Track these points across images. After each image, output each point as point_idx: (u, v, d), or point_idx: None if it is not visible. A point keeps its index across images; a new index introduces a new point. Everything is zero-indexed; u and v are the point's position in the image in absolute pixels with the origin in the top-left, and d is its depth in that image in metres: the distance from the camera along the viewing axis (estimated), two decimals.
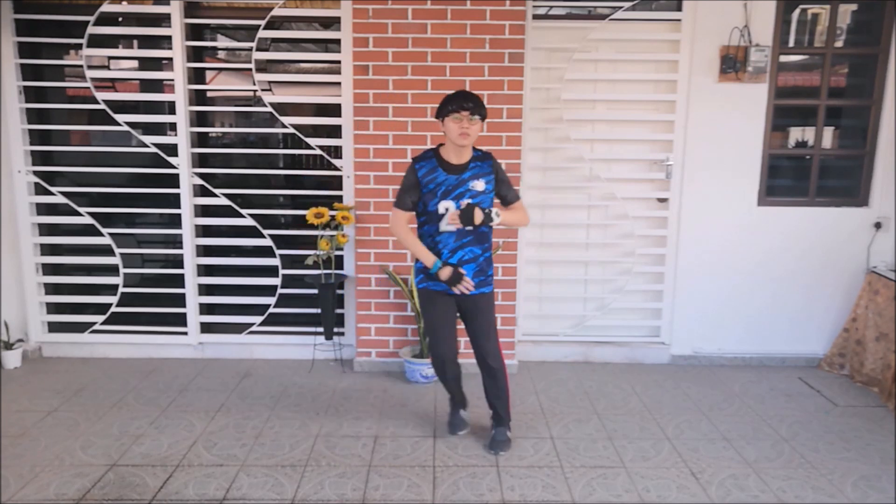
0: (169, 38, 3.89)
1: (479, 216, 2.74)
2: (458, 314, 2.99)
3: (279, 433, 3.19)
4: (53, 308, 4.22)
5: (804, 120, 4.09)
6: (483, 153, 2.89)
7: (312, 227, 3.88)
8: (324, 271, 3.91)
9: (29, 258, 4.09)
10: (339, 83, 3.93)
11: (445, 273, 2.78)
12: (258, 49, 3.90)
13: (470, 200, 2.77)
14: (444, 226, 2.80)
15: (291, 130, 3.98)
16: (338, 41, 3.90)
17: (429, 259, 2.81)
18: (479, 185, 2.80)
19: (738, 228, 4.06)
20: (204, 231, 4.16)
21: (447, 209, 2.78)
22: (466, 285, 2.81)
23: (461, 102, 2.70)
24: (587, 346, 4.21)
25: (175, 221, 4.08)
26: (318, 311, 3.95)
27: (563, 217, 4.15)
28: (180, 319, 4.16)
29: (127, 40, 4.19)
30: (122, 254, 4.11)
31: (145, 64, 4.20)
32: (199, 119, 4.10)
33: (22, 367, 4.00)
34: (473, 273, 2.85)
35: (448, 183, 2.78)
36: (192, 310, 4.14)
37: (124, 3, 4.01)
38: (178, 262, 4.11)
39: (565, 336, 4.23)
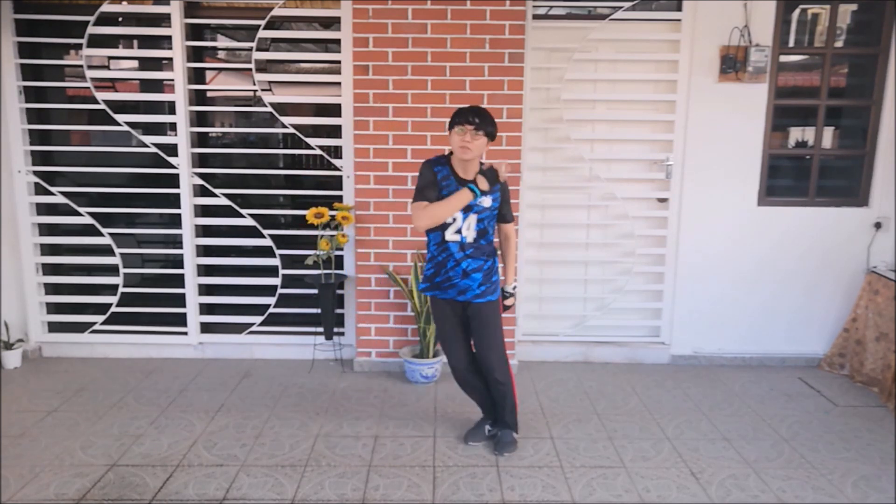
0: (169, 38, 3.89)
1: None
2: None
3: (279, 433, 3.19)
4: (53, 308, 4.22)
5: (804, 120, 4.09)
6: (491, 169, 2.85)
7: (312, 227, 3.88)
8: (324, 271, 3.91)
9: (29, 258, 4.09)
10: (339, 83, 3.93)
11: (483, 182, 2.71)
12: (258, 49, 3.90)
13: (476, 216, 2.79)
14: (451, 234, 2.81)
15: (291, 130, 3.98)
16: (338, 41, 3.90)
17: (463, 196, 2.69)
18: (486, 201, 2.81)
19: (738, 228, 4.06)
20: (204, 231, 4.16)
21: (454, 218, 2.78)
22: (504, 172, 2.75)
23: (467, 116, 2.70)
24: (587, 346, 4.21)
25: (175, 221, 4.08)
26: (318, 311, 3.95)
27: (563, 217, 4.15)
28: (180, 319, 4.16)
29: (127, 40, 4.19)
30: (122, 254, 4.11)
31: (145, 64, 4.20)
32: (199, 119, 4.10)
33: (22, 367, 4.00)
34: (479, 282, 2.85)
35: None
36: (192, 310, 4.14)
37: (124, 3, 4.01)
38: (178, 262, 4.11)
39: (565, 336, 4.23)
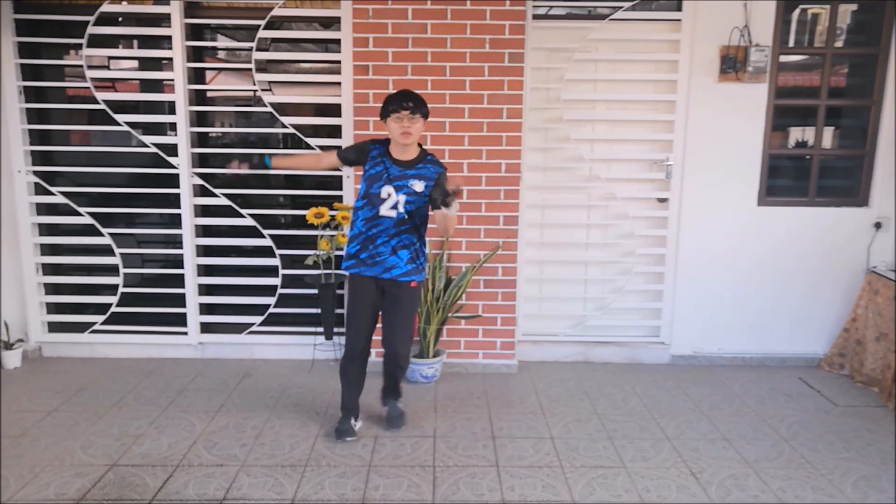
0: (169, 38, 3.89)
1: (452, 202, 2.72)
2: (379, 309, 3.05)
3: (279, 433, 3.19)
4: (53, 308, 4.22)
5: (804, 120, 4.09)
6: (436, 160, 2.96)
7: (312, 227, 3.87)
8: (324, 271, 3.91)
9: (29, 258, 4.09)
10: (339, 83, 3.93)
11: (278, 159, 3.00)
12: (258, 49, 3.90)
13: (405, 197, 2.85)
14: (386, 210, 2.87)
15: (291, 130, 3.98)
16: (338, 41, 3.90)
17: (286, 157, 2.99)
18: (417, 185, 2.88)
19: (738, 228, 4.06)
20: (204, 231, 4.16)
21: (389, 194, 2.86)
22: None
23: (401, 102, 2.80)
24: (587, 346, 4.21)
25: (175, 221, 4.08)
26: (318, 311, 3.95)
27: (563, 217, 4.15)
28: (180, 319, 4.16)
29: (127, 40, 4.19)
30: (122, 254, 4.11)
31: (145, 64, 4.20)
32: (199, 119, 4.10)
33: (22, 367, 4.00)
34: (407, 260, 2.92)
35: (392, 172, 2.87)
36: (192, 310, 4.14)
37: (124, 3, 4.00)
38: (178, 262, 4.11)
39: (565, 336, 4.23)
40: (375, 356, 3.15)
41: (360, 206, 2.94)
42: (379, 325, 3.10)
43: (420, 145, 2.97)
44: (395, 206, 2.88)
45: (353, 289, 3.01)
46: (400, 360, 3.08)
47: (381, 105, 2.89)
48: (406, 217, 2.89)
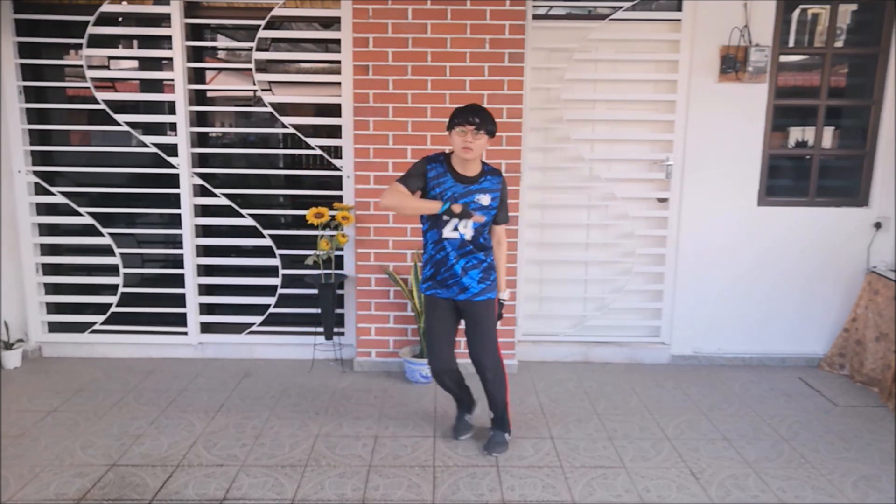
0: (169, 38, 3.89)
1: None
2: (459, 323, 3.01)
3: (279, 433, 3.19)
4: (53, 308, 4.22)
5: (804, 120, 4.09)
6: (494, 169, 2.88)
7: (312, 227, 3.88)
8: (324, 271, 3.91)
9: (29, 258, 4.09)
10: (339, 83, 3.93)
11: (457, 207, 2.74)
12: (258, 49, 3.90)
13: (476, 213, 2.78)
14: (449, 232, 2.81)
15: (291, 130, 3.98)
16: (338, 41, 3.90)
17: (433, 205, 2.74)
18: (484, 199, 2.81)
19: (738, 228, 4.06)
20: (204, 231, 4.16)
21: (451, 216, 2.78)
22: (476, 218, 2.77)
23: (468, 116, 2.71)
24: (587, 346, 4.21)
25: (175, 221, 4.08)
26: (318, 311, 3.95)
27: (563, 217, 4.15)
28: (180, 319, 4.16)
29: (127, 40, 4.19)
30: (122, 254, 4.11)
31: (145, 64, 4.20)
32: (199, 119, 4.10)
33: (22, 367, 4.00)
34: (478, 279, 2.87)
35: (455, 190, 2.78)
36: (192, 310, 4.14)
37: (124, 3, 4.01)
38: (178, 262, 4.11)
39: (565, 336, 4.23)
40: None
41: (425, 229, 2.87)
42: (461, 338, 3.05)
43: (483, 162, 2.87)
44: (456, 228, 2.80)
45: (429, 308, 2.96)
46: (486, 369, 2.95)
47: (450, 115, 2.77)
48: (469, 238, 2.82)
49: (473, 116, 2.70)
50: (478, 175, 2.82)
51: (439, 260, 2.86)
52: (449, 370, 3.00)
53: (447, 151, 2.87)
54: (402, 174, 2.83)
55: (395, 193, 2.75)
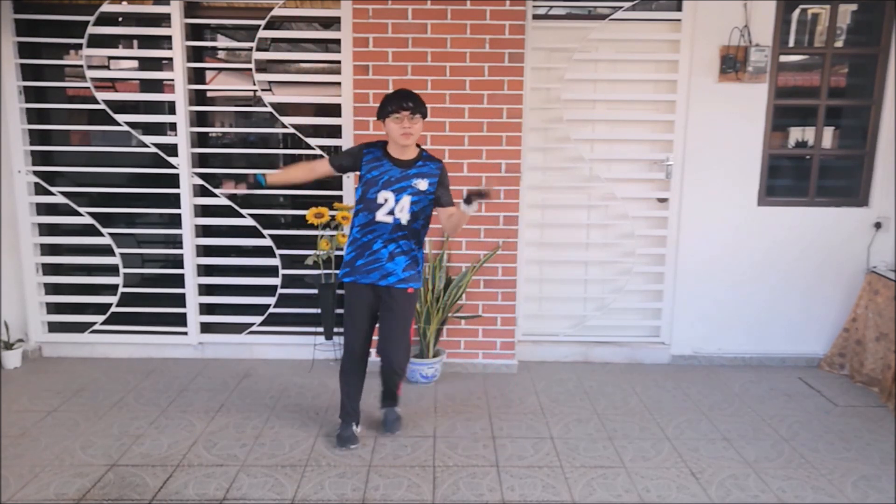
0: (169, 38, 3.89)
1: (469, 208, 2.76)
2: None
3: (279, 433, 3.19)
4: (53, 308, 4.22)
5: (804, 120, 4.09)
6: (432, 156, 2.92)
7: (312, 227, 3.88)
8: (324, 271, 3.91)
9: (29, 258, 4.09)
10: (339, 83, 3.93)
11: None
12: (258, 49, 3.90)
13: (410, 198, 2.81)
14: (383, 215, 2.83)
15: (291, 130, 3.98)
16: (338, 41, 3.90)
17: (279, 173, 2.94)
18: (421, 184, 2.84)
19: (738, 228, 4.06)
20: (204, 231, 4.16)
21: (386, 199, 2.82)
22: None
23: (401, 102, 2.74)
24: (587, 346, 4.21)
25: (175, 221, 4.08)
26: (318, 311, 3.95)
27: (563, 217, 4.15)
28: (180, 319, 4.16)
29: (127, 40, 4.19)
30: (122, 254, 4.11)
31: (145, 64, 4.20)
32: (199, 119, 4.10)
33: (22, 367, 4.00)
34: (404, 266, 2.88)
35: (392, 174, 2.83)
36: (192, 310, 4.14)
37: (124, 3, 4.01)
38: (178, 262, 4.11)
39: (565, 336, 4.23)
40: (375, 356, 3.15)
41: (356, 211, 2.90)
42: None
43: (418, 145, 2.94)
44: (391, 212, 2.83)
45: (349, 296, 2.97)
46: (396, 368, 3.03)
47: (378, 105, 2.85)
48: (405, 223, 2.84)
49: (407, 101, 2.73)
50: (414, 159, 2.86)
51: (365, 243, 2.86)
52: (363, 355, 3.01)
53: (382, 141, 2.91)
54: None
55: (305, 163, 2.90)
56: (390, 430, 3.12)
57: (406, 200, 2.83)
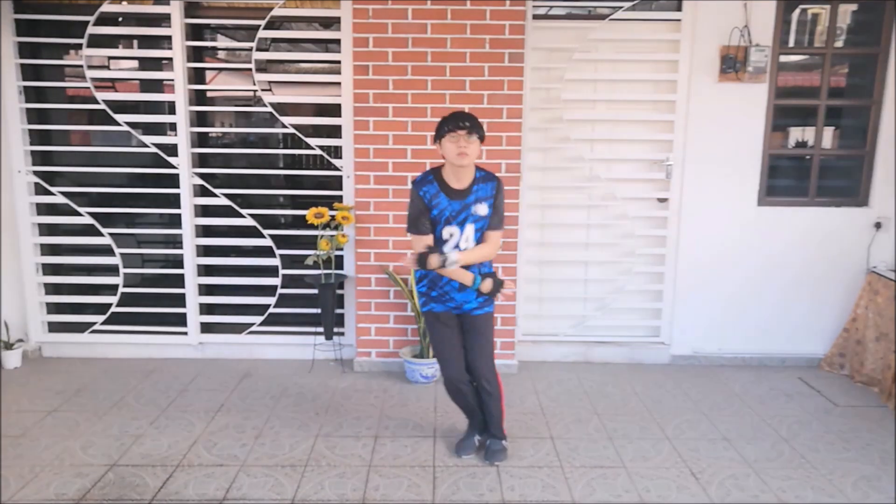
0: (169, 38, 3.89)
1: (433, 262, 2.65)
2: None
3: (279, 433, 3.19)
4: (53, 308, 4.22)
5: (804, 120, 4.09)
6: (487, 174, 2.78)
7: (312, 227, 3.88)
8: (324, 271, 3.91)
9: (29, 258, 4.09)
10: (339, 83, 3.93)
11: (487, 285, 2.72)
12: (258, 49, 3.90)
13: (474, 225, 2.73)
14: (449, 250, 2.73)
15: (291, 130, 3.98)
16: (338, 41, 3.90)
17: (467, 277, 2.72)
18: (481, 209, 2.73)
19: (738, 228, 4.06)
20: (204, 231, 4.16)
21: (451, 234, 2.73)
22: (508, 287, 2.77)
23: (457, 122, 2.62)
24: (587, 346, 4.21)
25: (175, 221, 4.08)
26: (318, 311, 3.95)
27: (563, 217, 4.15)
28: (180, 319, 4.16)
29: (127, 40, 4.19)
30: (122, 254, 4.11)
31: (145, 64, 4.20)
32: (199, 119, 4.10)
33: (22, 367, 4.00)
34: (475, 295, 2.80)
35: (452, 209, 2.71)
36: (192, 310, 4.14)
37: (124, 3, 4.01)
38: (178, 262, 4.11)
39: (565, 336, 4.23)
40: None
41: None
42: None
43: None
44: (457, 246, 2.74)
45: (431, 324, 2.91)
46: (483, 378, 2.90)
47: (435, 128, 2.69)
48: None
49: (464, 121, 2.61)
50: (470, 185, 2.71)
51: (434, 277, 2.80)
52: (464, 380, 2.92)
53: (434, 168, 2.77)
54: (406, 216, 2.74)
55: (425, 255, 2.66)
56: (489, 461, 2.96)
57: (470, 230, 2.74)
